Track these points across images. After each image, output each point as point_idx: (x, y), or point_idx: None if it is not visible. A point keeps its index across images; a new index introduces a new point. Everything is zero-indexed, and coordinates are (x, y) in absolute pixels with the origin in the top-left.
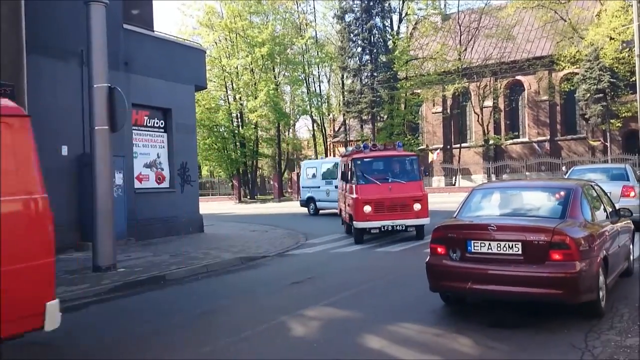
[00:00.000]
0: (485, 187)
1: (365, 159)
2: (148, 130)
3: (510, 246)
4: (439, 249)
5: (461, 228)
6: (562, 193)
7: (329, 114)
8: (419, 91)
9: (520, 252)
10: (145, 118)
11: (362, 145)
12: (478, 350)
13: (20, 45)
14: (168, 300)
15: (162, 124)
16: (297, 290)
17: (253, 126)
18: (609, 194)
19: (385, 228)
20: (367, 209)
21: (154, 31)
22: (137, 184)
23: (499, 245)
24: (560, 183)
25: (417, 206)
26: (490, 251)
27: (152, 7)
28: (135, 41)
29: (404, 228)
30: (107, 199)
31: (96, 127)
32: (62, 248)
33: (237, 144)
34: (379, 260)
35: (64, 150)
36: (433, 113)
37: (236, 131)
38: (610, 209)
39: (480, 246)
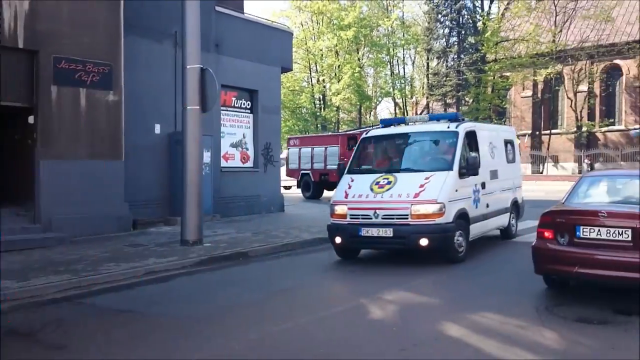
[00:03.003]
0: (594, 175)
1: None
2: (235, 111)
3: (620, 232)
4: (546, 233)
5: (571, 214)
6: None
7: (411, 97)
8: (508, 74)
9: (629, 238)
10: (233, 99)
11: None
12: (563, 345)
13: (119, 26)
14: (250, 276)
15: (248, 105)
16: (376, 273)
17: (335, 108)
18: None
19: None
20: None
21: (244, 13)
22: (223, 163)
23: (608, 231)
24: None
25: None
26: (599, 237)
27: None
28: (226, 23)
29: None
30: (196, 177)
31: (188, 107)
32: (152, 222)
33: (319, 125)
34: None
35: (157, 129)
36: (522, 97)
37: (318, 113)
38: None
39: (590, 232)
